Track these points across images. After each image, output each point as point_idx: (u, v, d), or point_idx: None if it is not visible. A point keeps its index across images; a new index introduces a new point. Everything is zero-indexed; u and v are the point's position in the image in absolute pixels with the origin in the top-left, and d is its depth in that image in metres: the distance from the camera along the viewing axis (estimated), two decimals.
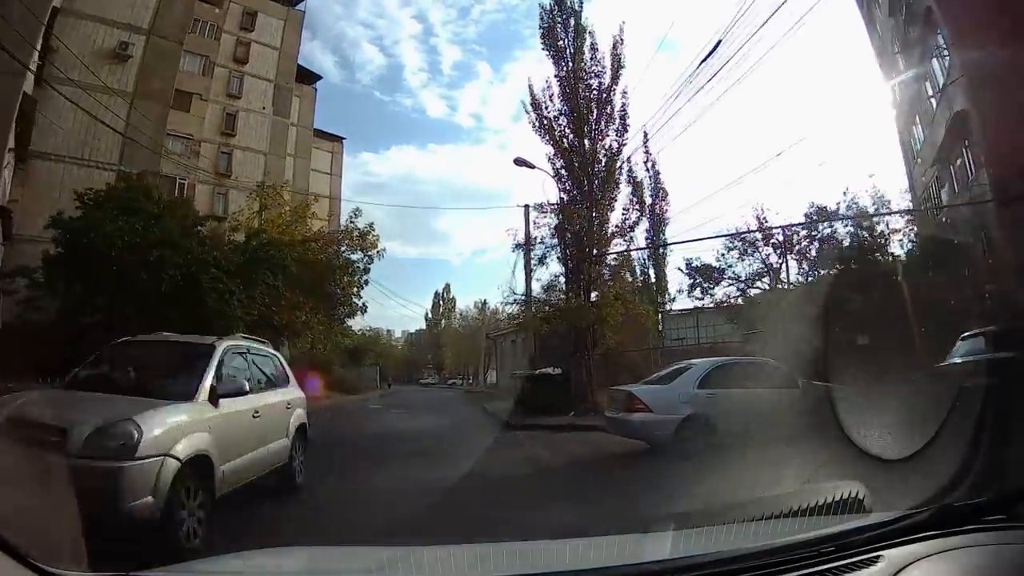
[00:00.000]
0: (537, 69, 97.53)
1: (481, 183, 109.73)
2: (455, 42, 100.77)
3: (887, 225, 19.72)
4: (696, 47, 37.86)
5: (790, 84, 60.07)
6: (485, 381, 52.16)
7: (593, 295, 17.60)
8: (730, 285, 16.72)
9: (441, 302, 78.32)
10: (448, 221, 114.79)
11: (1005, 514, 1.78)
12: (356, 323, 58.39)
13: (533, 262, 19.00)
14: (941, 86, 19.26)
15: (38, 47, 20.77)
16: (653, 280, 24.55)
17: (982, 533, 1.74)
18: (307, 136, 49.15)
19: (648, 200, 22.81)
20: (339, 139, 59.59)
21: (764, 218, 16.25)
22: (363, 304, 22.42)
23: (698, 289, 16.98)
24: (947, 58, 18.60)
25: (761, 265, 16.51)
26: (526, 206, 26.71)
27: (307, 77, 50.08)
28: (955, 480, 2.63)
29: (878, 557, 1.67)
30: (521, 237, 19.49)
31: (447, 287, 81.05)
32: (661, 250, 24.31)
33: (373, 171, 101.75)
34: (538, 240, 18.68)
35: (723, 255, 16.42)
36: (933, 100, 20.57)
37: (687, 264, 16.92)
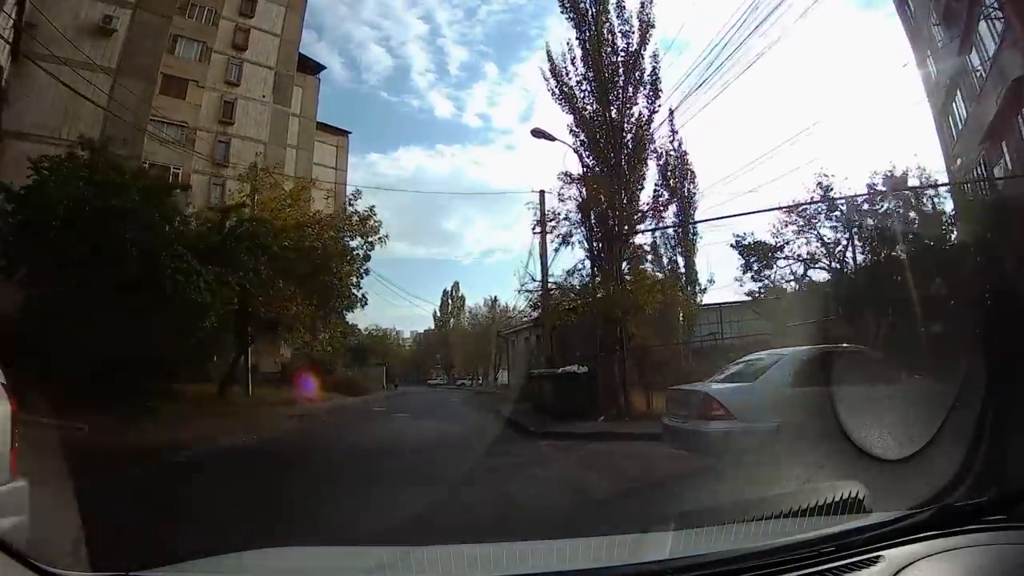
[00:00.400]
0: (545, 68, 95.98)
1: (490, 183, 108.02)
2: (462, 43, 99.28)
3: (933, 206, 17.15)
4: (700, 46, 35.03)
5: (806, 69, 57.34)
6: (496, 381, 49.66)
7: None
8: (787, 265, 14.24)
9: (450, 301, 75.87)
10: (456, 221, 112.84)
11: (1005, 514, 1.74)
12: (362, 322, 56.24)
13: (557, 241, 16.59)
14: (991, 54, 16.80)
15: (12, 14, 18.81)
16: (683, 270, 22.01)
17: (982, 533, 1.70)
18: (310, 128, 47.09)
19: (674, 181, 20.19)
20: (344, 133, 57.69)
21: (828, 186, 13.80)
22: (363, 296, 20.15)
23: (752, 271, 14.48)
24: (1000, 21, 16.16)
25: (818, 244, 14.05)
26: (541, 191, 24.43)
27: (310, 67, 48.05)
28: (955, 480, 2.45)
29: (878, 557, 1.63)
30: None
31: (455, 285, 78.51)
32: (692, 236, 21.78)
33: (381, 172, 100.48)
34: (562, 216, 16.26)
35: (779, 230, 14.00)
36: (980, 70, 18.11)
37: (737, 242, 14.50)
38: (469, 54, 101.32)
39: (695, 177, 20.42)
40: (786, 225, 13.84)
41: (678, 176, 21.10)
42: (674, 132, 20.22)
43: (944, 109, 22.08)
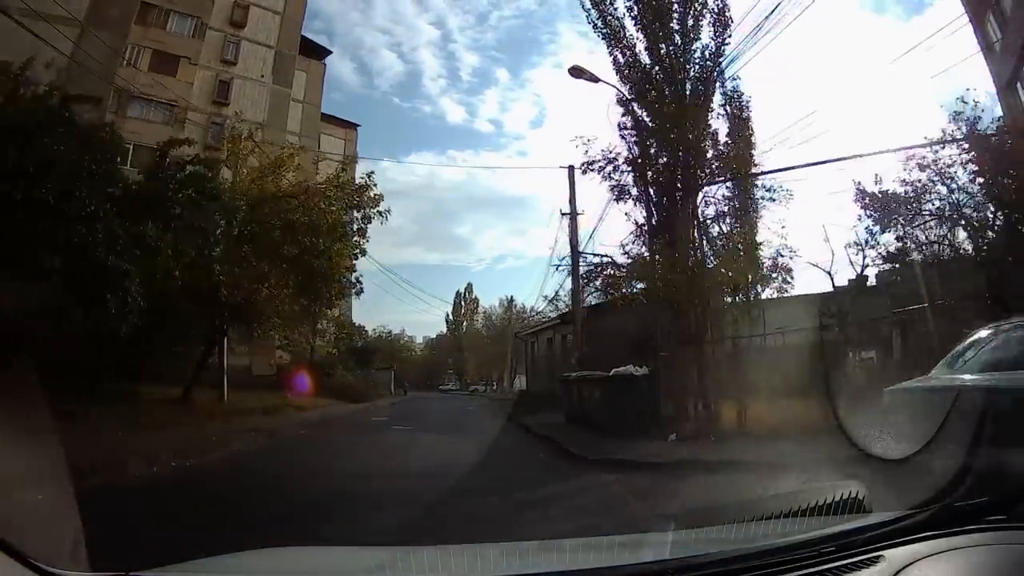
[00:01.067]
0: (555, 75, 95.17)
1: (504, 189, 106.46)
2: (473, 48, 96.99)
3: None
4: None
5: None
6: (512, 387, 45.63)
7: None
8: (924, 223, 10.30)
9: (463, 303, 72.03)
10: (469, 227, 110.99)
11: (1005, 514, 1.70)
12: (370, 323, 52.59)
13: (603, 199, 12.82)
14: None
15: None
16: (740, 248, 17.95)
17: (982, 533, 1.67)
18: (314, 115, 43.78)
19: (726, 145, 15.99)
20: (353, 126, 54.60)
21: (974, 118, 9.94)
22: (357, 279, 16.40)
23: (892, 230, 10.60)
24: None
25: (953, 199, 10.16)
26: (570, 167, 20.94)
27: (315, 52, 44.91)
28: (955, 480, 2.33)
29: (878, 557, 1.61)
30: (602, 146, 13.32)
31: (469, 287, 74.25)
32: (752, 212, 17.78)
33: (393, 177, 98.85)
34: (620, 160, 12.43)
35: (909, 179, 10.08)
36: None
37: (860, 192, 10.57)
38: (481, 60, 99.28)
39: (753, 142, 16.26)
40: (922, 169, 9.91)
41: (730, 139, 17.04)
42: (722, 83, 16.16)
43: (1012, 77, 18.27)
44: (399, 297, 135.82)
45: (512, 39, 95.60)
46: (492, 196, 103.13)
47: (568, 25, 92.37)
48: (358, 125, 56.01)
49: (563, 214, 20.10)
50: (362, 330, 38.46)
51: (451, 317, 71.64)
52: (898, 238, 10.85)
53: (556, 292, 27.49)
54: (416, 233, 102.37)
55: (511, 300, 51.10)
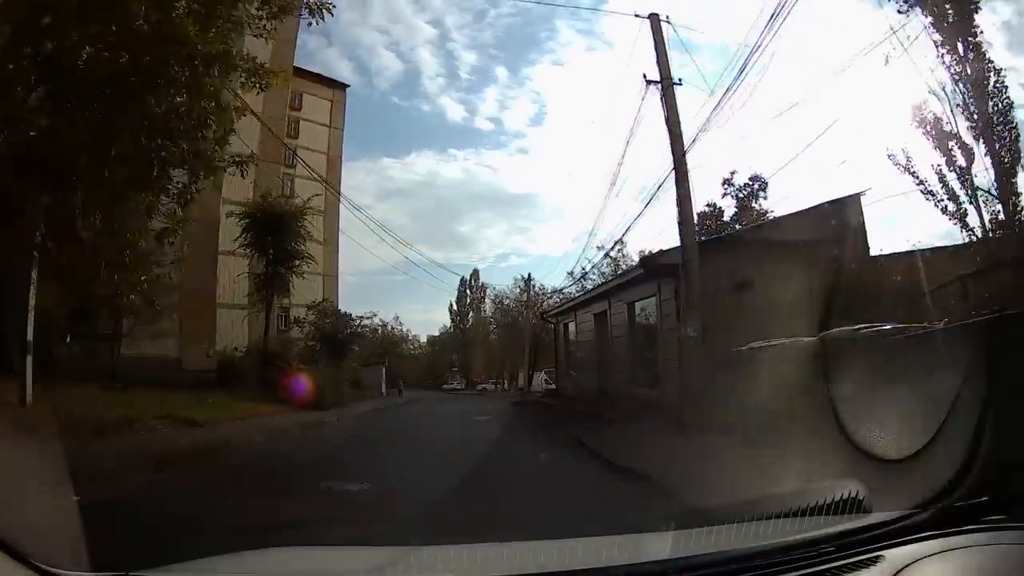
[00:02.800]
0: (554, 72, 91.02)
1: (505, 187, 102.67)
2: (471, 47, 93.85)
3: None
4: None
5: None
6: (531, 385, 36.71)
7: None
8: None
9: (468, 291, 63.11)
10: (471, 226, 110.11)
11: (1005, 514, 1.68)
12: (356, 309, 43.59)
13: None
14: None
15: None
16: None
17: (982, 533, 1.65)
18: (289, 60, 35.61)
19: None
20: (341, 86, 46.98)
21: None
22: (228, 109, 7.44)
23: None
24: None
25: None
26: (653, 15, 12.68)
27: None
28: (955, 480, 2.27)
29: (878, 557, 1.59)
30: None
31: (475, 273, 64.07)
32: None
33: (393, 177, 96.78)
34: None
35: None
36: None
37: None
38: (479, 58, 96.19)
39: None
40: None
41: None
42: None
43: None
44: (413, 288, 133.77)
45: (510, 37, 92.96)
46: (493, 194, 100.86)
47: (566, 22, 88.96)
48: (347, 85, 48.65)
49: (648, 82, 11.57)
50: (347, 317, 29.55)
51: (455, 307, 63.15)
52: None
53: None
54: (418, 231, 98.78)
55: (529, 278, 41.98)
